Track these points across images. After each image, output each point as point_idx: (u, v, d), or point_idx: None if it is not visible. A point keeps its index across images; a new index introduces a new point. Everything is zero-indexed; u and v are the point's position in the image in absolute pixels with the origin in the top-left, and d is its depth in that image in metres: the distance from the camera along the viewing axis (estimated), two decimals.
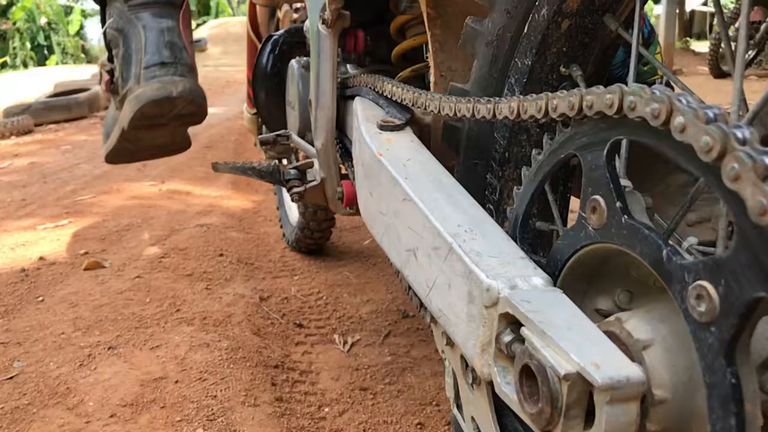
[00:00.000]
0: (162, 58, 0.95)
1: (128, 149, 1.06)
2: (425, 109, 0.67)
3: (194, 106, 0.97)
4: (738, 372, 0.36)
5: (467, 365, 0.58)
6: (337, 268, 1.73)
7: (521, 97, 0.52)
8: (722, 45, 5.76)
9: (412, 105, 0.72)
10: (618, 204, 0.43)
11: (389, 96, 0.79)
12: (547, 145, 0.51)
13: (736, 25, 5.37)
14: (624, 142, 0.49)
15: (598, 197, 0.44)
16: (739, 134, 0.33)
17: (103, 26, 1.08)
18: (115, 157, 1.06)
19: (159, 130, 1.02)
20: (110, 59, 1.05)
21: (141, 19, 0.98)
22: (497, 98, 0.55)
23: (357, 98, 0.90)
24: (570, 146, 0.48)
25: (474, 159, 0.66)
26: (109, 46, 1.06)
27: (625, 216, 0.42)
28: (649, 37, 1.33)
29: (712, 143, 0.34)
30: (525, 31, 0.58)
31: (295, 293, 1.56)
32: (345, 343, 1.31)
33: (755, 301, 0.33)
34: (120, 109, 1.02)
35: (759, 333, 0.41)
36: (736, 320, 0.34)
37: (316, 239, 1.75)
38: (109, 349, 1.25)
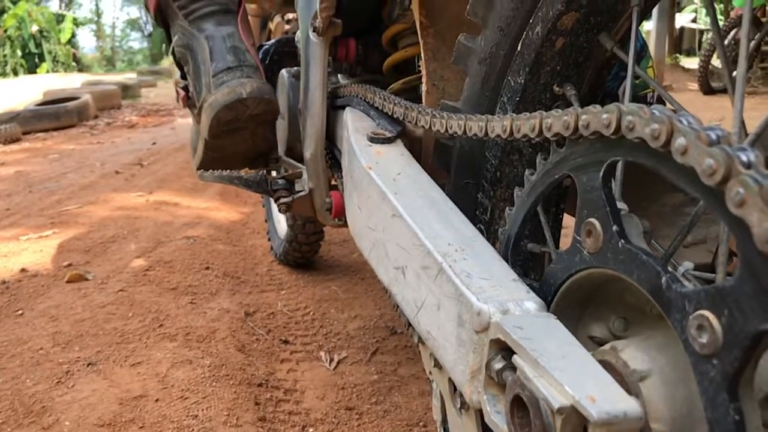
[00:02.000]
0: (228, 64, 0.98)
1: (215, 158, 1.09)
2: (416, 124, 0.66)
3: (265, 104, 0.99)
4: (741, 408, 0.34)
5: (455, 389, 0.56)
6: (325, 283, 1.70)
7: (514, 115, 0.50)
8: (712, 62, 5.83)
9: (403, 119, 0.70)
10: (614, 228, 0.41)
11: (380, 108, 0.78)
12: (541, 165, 0.49)
13: (725, 42, 5.46)
14: (620, 164, 0.47)
15: (593, 220, 0.42)
16: (744, 157, 0.31)
17: (169, 46, 1.12)
18: (205, 168, 1.07)
19: (239, 135, 1.04)
20: (183, 76, 1.09)
21: (203, 31, 1.03)
22: (489, 116, 0.53)
23: (347, 109, 0.88)
24: (564, 167, 0.46)
25: (465, 178, 0.64)
26: (179, 64, 1.10)
27: (622, 240, 0.40)
28: (641, 51, 1.33)
29: (716, 166, 0.32)
30: (518, 48, 0.57)
31: (282, 308, 1.53)
32: (331, 360, 1.28)
33: (761, 333, 0.31)
34: (199, 122, 1.05)
35: (762, 366, 0.39)
36: (740, 354, 0.32)
37: (304, 252, 1.72)
38: (88, 365, 1.21)
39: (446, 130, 0.59)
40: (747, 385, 0.34)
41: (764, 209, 0.29)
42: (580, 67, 0.56)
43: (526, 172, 0.51)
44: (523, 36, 0.56)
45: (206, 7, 1.05)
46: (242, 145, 1.04)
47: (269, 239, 1.90)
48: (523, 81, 0.56)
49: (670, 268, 0.38)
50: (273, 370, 1.24)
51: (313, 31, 0.88)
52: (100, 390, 1.13)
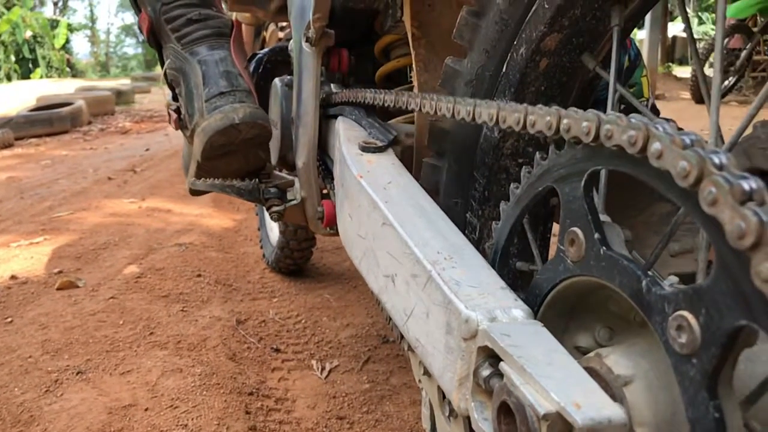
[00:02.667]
0: (220, 89, 0.99)
1: (207, 178, 1.11)
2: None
3: (258, 129, 1.01)
4: (721, 406, 0.34)
5: (444, 396, 0.56)
6: (317, 291, 1.70)
7: (502, 104, 0.51)
8: (704, 71, 5.88)
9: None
10: (596, 235, 0.42)
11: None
12: (525, 178, 0.50)
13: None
14: (602, 175, 0.48)
15: (576, 229, 0.43)
16: (716, 159, 0.32)
17: (162, 68, 1.13)
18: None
19: (231, 157, 1.05)
20: (174, 98, 1.10)
21: (196, 55, 1.04)
22: (479, 100, 0.54)
23: (339, 118, 0.89)
24: (548, 179, 0.47)
25: (454, 198, 0.65)
26: (171, 86, 1.11)
27: (604, 248, 0.41)
28: (635, 61, 1.35)
29: (689, 168, 0.33)
30: (504, 70, 0.58)
31: (274, 316, 1.52)
32: (323, 369, 1.28)
33: (737, 330, 0.32)
34: (192, 144, 1.07)
35: (742, 368, 0.40)
36: (718, 351, 0.33)
37: (296, 259, 1.72)
38: (77, 374, 1.21)
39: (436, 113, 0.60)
40: (726, 384, 0.34)
41: (735, 207, 0.30)
42: (565, 86, 0.57)
43: (512, 186, 0.52)
44: (508, 57, 0.57)
45: (199, 30, 1.06)
46: (235, 165, 1.05)
47: (261, 247, 1.90)
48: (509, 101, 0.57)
49: (651, 273, 0.39)
50: (264, 378, 1.24)
51: (306, 41, 0.89)
52: (89, 399, 1.12)
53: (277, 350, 1.36)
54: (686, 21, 0.47)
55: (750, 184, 0.31)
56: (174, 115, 1.09)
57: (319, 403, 1.15)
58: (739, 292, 0.32)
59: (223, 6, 1.21)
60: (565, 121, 0.42)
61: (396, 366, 1.29)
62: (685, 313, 0.35)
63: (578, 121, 0.41)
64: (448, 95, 0.61)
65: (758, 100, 0.39)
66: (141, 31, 1.09)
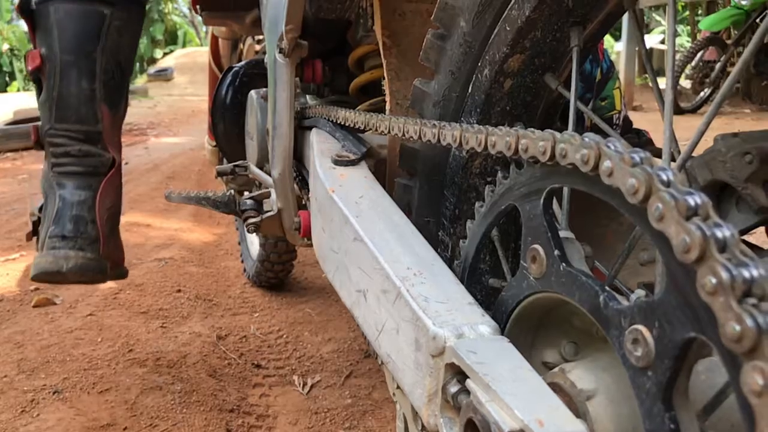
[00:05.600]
0: (64, 231, 1.02)
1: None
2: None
3: (86, 278, 1.05)
4: (677, 417, 0.35)
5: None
6: (298, 305, 1.69)
7: (465, 126, 0.52)
8: (680, 83, 5.99)
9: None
10: (556, 252, 0.42)
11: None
12: (489, 197, 0.51)
13: (693, 63, 5.62)
14: (565, 191, 0.49)
15: (537, 246, 0.44)
16: (663, 176, 0.33)
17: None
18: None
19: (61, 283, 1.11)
20: (40, 209, 1.11)
21: (61, 187, 1.05)
22: (443, 123, 0.55)
23: (314, 130, 0.89)
24: (510, 197, 0.48)
25: (426, 216, 0.66)
26: (40, 207, 1.12)
27: (564, 264, 0.42)
28: (608, 73, 1.37)
29: (638, 185, 0.34)
30: (469, 91, 0.59)
31: (255, 331, 1.51)
32: (304, 384, 1.27)
33: (688, 342, 0.33)
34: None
35: (702, 378, 0.41)
36: (672, 363, 0.34)
37: (277, 273, 1.71)
38: (54, 393, 1.18)
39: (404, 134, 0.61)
40: (682, 395, 0.35)
41: (681, 222, 0.31)
42: (529, 106, 0.58)
43: (476, 204, 0.53)
44: (473, 79, 0.58)
45: (73, 166, 1.06)
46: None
47: (242, 261, 1.89)
48: (475, 121, 0.59)
49: (608, 288, 0.40)
50: (245, 395, 1.23)
51: (280, 52, 0.89)
52: (66, 419, 1.10)
53: (259, 366, 1.35)
54: (641, 38, 0.48)
55: (695, 199, 0.32)
56: (30, 227, 1.11)
57: (301, 419, 1.15)
58: (688, 304, 0.32)
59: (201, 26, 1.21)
60: (522, 141, 0.43)
61: (378, 381, 1.29)
62: (640, 327, 0.35)
63: (535, 141, 0.42)
64: (417, 117, 0.62)
65: (707, 116, 0.40)
66: (26, 63, 1.07)
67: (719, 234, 0.31)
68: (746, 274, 0.29)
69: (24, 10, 1.02)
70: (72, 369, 1.28)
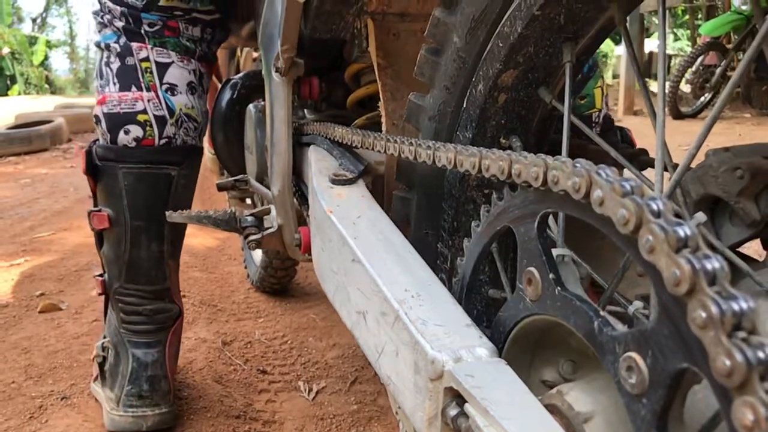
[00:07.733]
0: (141, 392, 1.08)
1: None
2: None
3: (162, 429, 1.12)
4: None
5: None
6: (302, 310, 1.70)
7: (459, 148, 0.52)
8: (681, 87, 5.94)
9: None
10: (551, 276, 0.43)
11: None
12: (485, 216, 0.51)
13: (693, 68, 5.60)
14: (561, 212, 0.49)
15: (532, 269, 0.45)
16: (654, 206, 0.33)
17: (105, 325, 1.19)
18: None
19: None
20: (103, 347, 1.15)
21: (133, 345, 1.10)
22: (438, 144, 0.56)
23: (312, 147, 0.90)
24: (504, 219, 0.49)
25: (425, 229, 0.66)
26: (103, 346, 1.16)
27: (558, 288, 0.43)
28: (589, 71, 1.36)
29: (629, 216, 0.34)
30: (464, 105, 0.60)
31: (259, 337, 1.52)
32: (310, 390, 1.28)
33: (680, 372, 0.34)
34: (105, 391, 1.14)
35: (700, 396, 0.41)
36: (665, 392, 0.35)
37: (280, 278, 1.72)
38: (62, 399, 1.20)
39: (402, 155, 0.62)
40: (677, 422, 0.36)
41: (671, 255, 0.31)
42: (524, 119, 0.59)
43: (473, 224, 0.53)
44: (468, 93, 0.59)
45: (144, 324, 1.10)
46: None
47: (246, 266, 1.90)
48: (471, 135, 0.59)
49: (602, 313, 0.40)
50: (251, 401, 1.24)
51: (276, 71, 0.89)
52: (74, 425, 1.11)
53: (264, 372, 1.35)
54: (629, 45, 0.49)
55: (685, 230, 0.32)
56: (97, 369, 1.17)
57: (307, 425, 1.16)
58: (680, 335, 0.33)
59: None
60: (515, 166, 0.44)
61: (383, 387, 1.30)
62: (634, 355, 0.36)
63: (528, 167, 0.42)
64: (413, 132, 0.62)
65: (699, 136, 0.40)
66: (90, 221, 1.08)
67: (709, 266, 0.31)
68: (736, 307, 0.30)
69: (89, 167, 1.05)
70: (79, 375, 1.29)
